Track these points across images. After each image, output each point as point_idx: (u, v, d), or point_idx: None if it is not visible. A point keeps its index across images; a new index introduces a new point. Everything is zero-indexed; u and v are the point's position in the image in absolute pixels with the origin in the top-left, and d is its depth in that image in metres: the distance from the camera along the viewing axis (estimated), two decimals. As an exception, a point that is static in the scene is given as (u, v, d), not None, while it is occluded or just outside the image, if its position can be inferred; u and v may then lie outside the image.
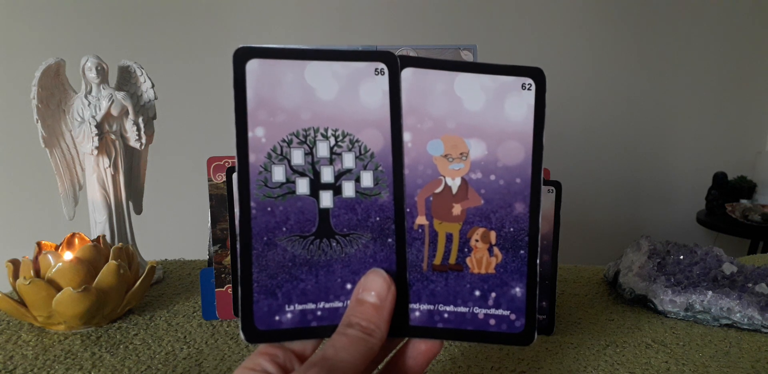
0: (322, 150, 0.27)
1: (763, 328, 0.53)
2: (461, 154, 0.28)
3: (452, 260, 0.29)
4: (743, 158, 2.06)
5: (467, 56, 0.59)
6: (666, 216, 2.11)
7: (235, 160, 0.26)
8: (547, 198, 0.49)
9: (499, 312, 0.29)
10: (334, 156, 0.27)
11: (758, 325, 0.53)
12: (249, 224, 0.26)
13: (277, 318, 0.26)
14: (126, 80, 0.67)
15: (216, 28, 1.60)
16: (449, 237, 0.29)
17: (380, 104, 0.27)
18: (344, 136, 0.27)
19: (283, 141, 0.27)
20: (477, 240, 0.29)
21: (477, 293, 0.29)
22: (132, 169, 0.69)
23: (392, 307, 0.27)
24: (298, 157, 0.27)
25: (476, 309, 0.28)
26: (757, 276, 0.59)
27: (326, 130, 0.27)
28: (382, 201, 0.28)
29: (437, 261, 0.28)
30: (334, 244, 0.27)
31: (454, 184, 0.28)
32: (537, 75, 0.29)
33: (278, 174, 0.27)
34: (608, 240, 2.00)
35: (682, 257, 0.63)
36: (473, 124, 0.28)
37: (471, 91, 0.28)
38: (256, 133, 0.26)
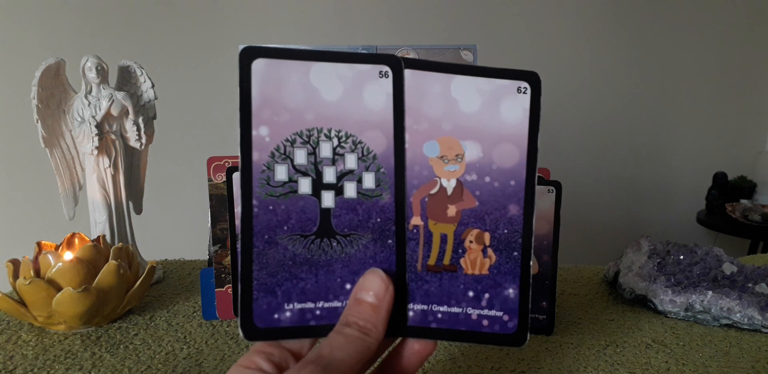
0: (325, 150, 0.27)
1: (763, 328, 0.53)
2: (457, 155, 0.29)
3: (446, 261, 0.29)
4: (743, 158, 2.06)
5: (467, 56, 0.59)
6: (666, 216, 2.11)
7: (239, 158, 0.26)
8: (547, 198, 0.49)
9: (492, 313, 0.29)
10: (336, 156, 0.27)
11: (758, 325, 0.53)
12: (251, 222, 0.26)
13: (276, 316, 0.27)
14: (126, 80, 0.67)
15: (216, 29, 1.60)
16: (444, 238, 0.29)
17: (384, 106, 0.28)
18: (347, 137, 0.27)
19: (287, 140, 0.27)
20: (471, 242, 0.29)
21: (470, 294, 0.29)
22: (132, 169, 0.69)
23: (390, 307, 0.27)
24: (301, 156, 0.27)
25: (470, 310, 0.29)
26: (757, 276, 0.59)
27: (330, 130, 0.27)
28: (383, 202, 0.28)
29: (431, 261, 0.29)
30: (334, 244, 0.27)
31: (450, 185, 0.29)
32: (533, 79, 0.29)
33: (281, 173, 0.27)
34: (608, 240, 2.00)
35: (682, 257, 0.63)
36: (469, 126, 0.29)
37: (467, 93, 0.28)
38: (260, 131, 0.27)
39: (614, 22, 1.92)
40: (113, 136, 0.64)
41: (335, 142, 0.27)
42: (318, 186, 0.27)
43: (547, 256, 0.50)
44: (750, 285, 0.57)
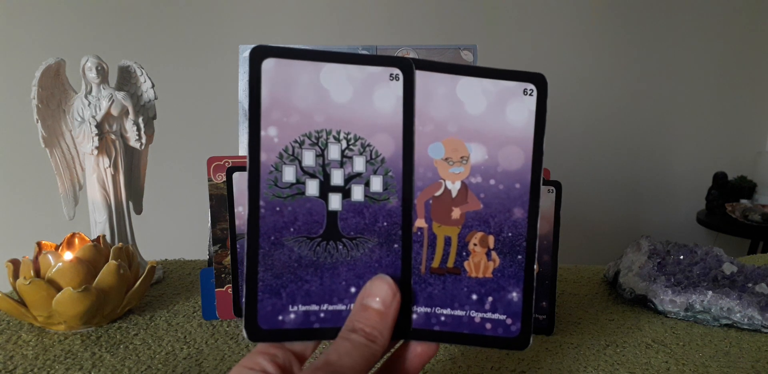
0: (334, 152, 0.27)
1: (763, 328, 0.53)
2: (462, 157, 0.28)
3: (450, 263, 0.29)
4: (743, 158, 2.06)
5: (467, 56, 0.59)
6: (666, 216, 2.11)
7: (246, 158, 0.26)
8: (547, 198, 0.49)
9: (496, 316, 0.29)
10: (345, 159, 0.27)
11: (758, 325, 0.53)
12: (257, 223, 0.26)
13: (280, 317, 0.26)
14: (126, 80, 0.67)
15: (216, 28, 1.60)
16: (448, 241, 0.29)
17: (393, 110, 0.27)
18: (356, 140, 0.27)
19: (295, 141, 0.27)
20: (475, 244, 0.29)
21: (474, 297, 0.29)
22: (132, 169, 0.69)
23: (396, 314, 0.27)
24: (309, 158, 0.27)
25: (473, 313, 0.28)
26: (757, 276, 0.59)
27: (338, 132, 0.27)
28: (391, 206, 0.28)
29: (435, 264, 0.28)
30: (340, 247, 0.27)
31: (454, 187, 0.28)
32: (539, 80, 0.29)
33: (289, 174, 0.27)
34: (608, 240, 2.00)
35: (682, 257, 0.63)
36: (474, 128, 0.28)
37: (473, 95, 0.28)
38: (268, 132, 0.26)
39: (614, 22, 1.92)
40: (113, 136, 0.64)
41: (344, 144, 0.27)
42: (325, 188, 0.27)
43: (547, 256, 0.50)
44: (750, 285, 0.57)
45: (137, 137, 0.65)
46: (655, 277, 0.58)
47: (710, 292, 0.54)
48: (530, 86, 0.29)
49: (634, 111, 2.00)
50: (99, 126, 0.63)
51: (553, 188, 0.49)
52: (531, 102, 0.29)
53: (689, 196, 2.08)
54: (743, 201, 1.88)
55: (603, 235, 2.01)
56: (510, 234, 0.29)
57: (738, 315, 0.53)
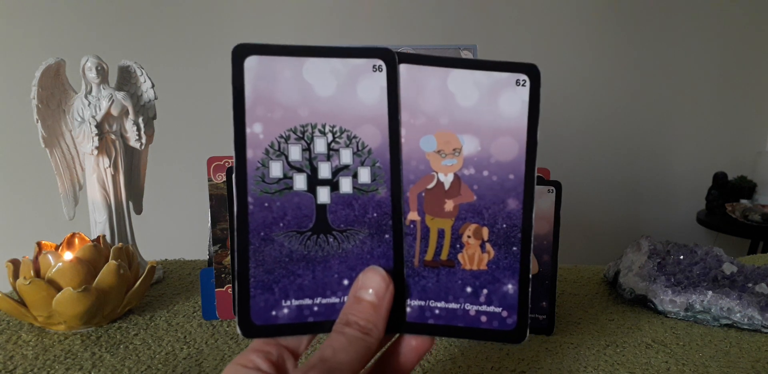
0: (320, 146, 0.27)
1: (763, 328, 0.53)
2: (454, 149, 0.28)
3: (444, 256, 0.28)
4: (743, 158, 2.06)
5: (467, 56, 0.59)
6: (666, 216, 2.10)
7: (233, 156, 0.26)
8: (547, 198, 0.49)
9: (491, 308, 0.28)
10: (331, 152, 0.27)
11: (758, 325, 0.53)
12: (246, 219, 0.26)
13: (273, 313, 0.26)
14: (126, 80, 0.67)
15: (216, 28, 1.60)
16: (441, 233, 0.28)
17: (378, 101, 0.27)
18: (342, 132, 0.27)
19: (281, 137, 0.27)
20: (469, 236, 0.28)
21: (468, 289, 0.28)
22: (132, 169, 0.69)
23: (390, 306, 0.27)
24: (295, 152, 0.27)
25: (468, 306, 0.28)
26: (757, 276, 0.59)
27: (324, 126, 0.27)
28: (380, 197, 0.28)
29: (428, 257, 0.28)
30: (331, 240, 0.27)
31: (447, 179, 0.28)
32: (531, 71, 0.28)
33: (276, 170, 0.27)
34: (608, 240, 2.00)
35: (682, 257, 0.63)
36: (466, 120, 0.28)
37: (464, 87, 0.28)
38: (254, 129, 0.26)
39: (614, 22, 1.92)
40: (113, 136, 0.64)
41: (330, 137, 0.27)
42: (313, 182, 0.27)
43: (547, 256, 0.50)
44: (750, 285, 0.57)
45: (137, 137, 0.65)
46: (655, 277, 0.58)
47: (710, 292, 0.54)
48: (523, 77, 0.28)
49: (634, 111, 2.00)
50: (99, 126, 0.63)
51: (553, 188, 0.49)
52: (524, 92, 0.28)
53: (689, 196, 2.08)
54: (743, 201, 1.88)
55: (603, 235, 2.01)
56: (504, 226, 0.29)
57: (738, 315, 0.53)
